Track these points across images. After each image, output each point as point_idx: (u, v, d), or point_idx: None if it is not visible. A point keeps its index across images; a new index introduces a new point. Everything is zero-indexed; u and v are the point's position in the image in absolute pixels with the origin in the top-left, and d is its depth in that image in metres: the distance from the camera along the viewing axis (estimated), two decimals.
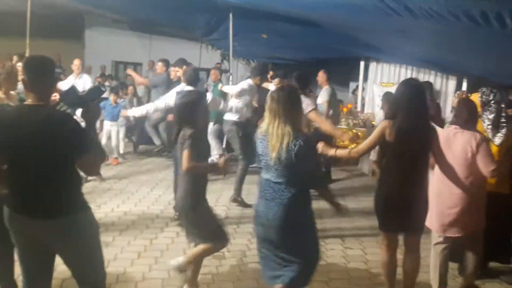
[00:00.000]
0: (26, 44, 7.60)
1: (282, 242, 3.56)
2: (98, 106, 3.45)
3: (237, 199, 6.99)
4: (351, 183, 8.82)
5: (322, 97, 8.38)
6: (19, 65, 7.46)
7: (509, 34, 4.63)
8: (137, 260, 5.11)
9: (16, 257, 3.24)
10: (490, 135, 4.52)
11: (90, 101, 3.25)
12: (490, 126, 4.57)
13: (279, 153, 3.45)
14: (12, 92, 4.61)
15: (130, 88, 11.07)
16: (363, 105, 11.14)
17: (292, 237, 3.54)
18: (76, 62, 8.79)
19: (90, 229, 3.14)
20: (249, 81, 7.32)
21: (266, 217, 3.55)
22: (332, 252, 5.55)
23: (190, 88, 6.09)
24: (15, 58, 8.88)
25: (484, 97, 4.65)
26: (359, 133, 9.40)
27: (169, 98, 6.18)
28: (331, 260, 5.32)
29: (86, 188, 6.39)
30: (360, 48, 9.73)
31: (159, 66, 9.69)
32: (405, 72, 10.47)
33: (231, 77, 10.13)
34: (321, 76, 8.58)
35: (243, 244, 5.61)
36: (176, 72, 7.97)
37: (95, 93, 3.47)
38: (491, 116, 4.58)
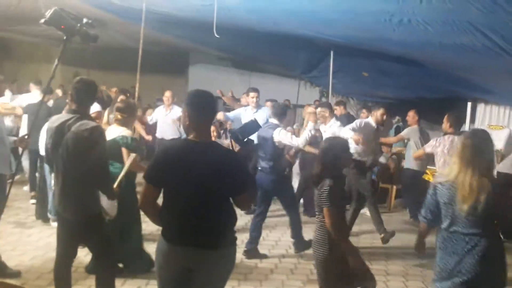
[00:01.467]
0: (136, 79, 8.04)
1: None
2: (253, 142, 3.49)
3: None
4: None
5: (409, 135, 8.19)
6: (121, 97, 7.97)
7: None
8: None
9: None
10: None
11: (248, 136, 3.33)
12: None
13: (474, 205, 3.22)
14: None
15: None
16: None
17: None
18: (167, 94, 9.09)
19: (233, 264, 3.22)
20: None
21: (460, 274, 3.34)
22: None
23: (274, 121, 6.19)
24: (115, 90, 9.31)
25: None
26: None
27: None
28: None
29: None
30: (466, 88, 9.39)
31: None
32: None
33: None
34: (412, 116, 8.36)
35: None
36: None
37: (253, 128, 3.52)
38: None
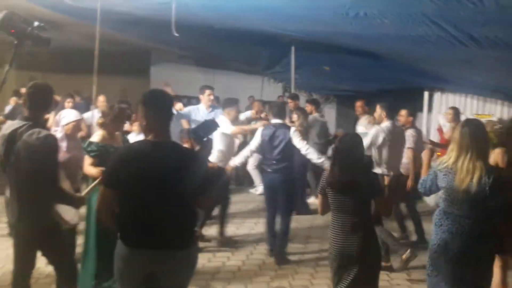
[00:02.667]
0: (92, 81, 7.90)
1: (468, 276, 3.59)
2: (212, 142, 3.44)
3: None
4: None
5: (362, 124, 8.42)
6: (68, 101, 7.80)
7: None
8: None
9: None
10: None
11: (208, 135, 3.29)
12: None
13: (469, 187, 3.49)
14: (117, 133, 4.80)
15: None
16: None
17: (479, 272, 3.60)
18: (101, 99, 8.85)
19: (196, 264, 3.22)
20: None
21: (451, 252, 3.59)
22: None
23: (278, 121, 6.15)
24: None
25: None
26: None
27: (257, 137, 6.21)
28: None
29: None
30: (423, 78, 9.60)
31: None
32: (471, 102, 10.23)
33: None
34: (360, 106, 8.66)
35: (306, 279, 5.59)
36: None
37: (212, 126, 3.46)
38: None
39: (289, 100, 9.38)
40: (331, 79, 11.94)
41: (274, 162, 6.01)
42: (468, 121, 3.85)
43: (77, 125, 5.96)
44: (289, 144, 5.98)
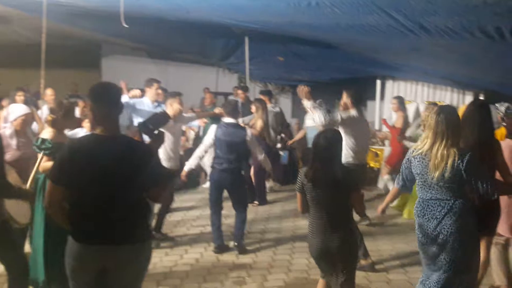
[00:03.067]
0: (41, 75, 7.67)
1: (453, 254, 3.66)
2: (163, 135, 3.38)
3: None
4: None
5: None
6: (18, 94, 7.50)
7: None
8: None
9: None
10: None
11: (158, 128, 3.20)
12: None
13: (443, 172, 3.56)
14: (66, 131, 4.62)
15: None
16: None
17: (462, 249, 3.66)
18: (49, 92, 8.47)
19: (150, 259, 3.17)
20: None
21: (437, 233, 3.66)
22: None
23: (231, 120, 6.09)
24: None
25: (509, 111, 4.85)
26: (378, 152, 9.37)
27: (210, 135, 6.14)
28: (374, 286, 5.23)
29: None
30: (376, 67, 9.76)
31: None
32: (422, 89, 10.46)
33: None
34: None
35: (264, 268, 5.60)
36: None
37: (163, 119, 3.37)
38: None
39: (239, 92, 9.39)
40: (285, 70, 12.00)
41: (224, 161, 5.98)
42: (442, 108, 3.88)
43: (26, 119, 5.48)
44: (241, 145, 5.98)
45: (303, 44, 8.87)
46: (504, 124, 5.00)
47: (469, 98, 9.66)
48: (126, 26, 6.96)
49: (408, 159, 3.83)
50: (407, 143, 7.26)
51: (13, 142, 5.26)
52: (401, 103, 8.42)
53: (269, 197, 8.80)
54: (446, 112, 3.71)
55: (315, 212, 3.82)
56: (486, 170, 3.76)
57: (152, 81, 7.07)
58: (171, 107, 6.20)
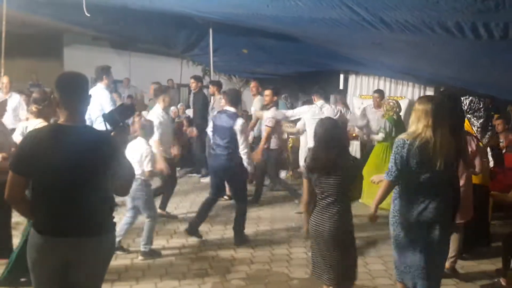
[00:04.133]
0: (0, 64, 7.47)
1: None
2: (129, 126, 3.32)
3: None
4: None
5: (255, 106, 8.77)
6: None
7: (483, 44, 4.73)
8: None
9: None
10: (479, 137, 4.97)
11: (123, 120, 3.16)
12: (479, 129, 5.01)
13: (445, 158, 3.69)
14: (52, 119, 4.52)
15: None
16: None
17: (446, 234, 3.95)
18: (5, 80, 8.08)
19: (113, 251, 3.14)
20: None
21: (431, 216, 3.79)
22: None
23: (232, 109, 6.12)
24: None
25: (472, 104, 5.19)
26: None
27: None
28: None
29: None
30: (339, 61, 9.84)
31: None
32: (384, 84, 10.60)
33: None
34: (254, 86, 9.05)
35: (227, 260, 5.61)
36: None
37: (129, 111, 3.32)
38: (480, 121, 5.08)
39: (191, 81, 9.42)
40: (249, 62, 11.99)
41: (218, 147, 6.09)
42: (435, 97, 4.15)
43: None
44: (233, 133, 6.00)
45: (267, 37, 8.88)
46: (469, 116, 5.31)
47: (430, 94, 9.82)
48: (88, 15, 6.86)
49: (404, 149, 3.73)
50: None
51: None
52: (383, 97, 8.59)
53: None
54: (441, 101, 3.90)
55: (320, 199, 3.87)
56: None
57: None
58: (163, 102, 6.65)
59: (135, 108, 3.74)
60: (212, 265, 5.46)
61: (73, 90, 2.93)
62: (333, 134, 3.89)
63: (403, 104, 9.11)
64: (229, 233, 6.33)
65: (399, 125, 7.44)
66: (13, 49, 7.52)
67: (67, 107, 2.89)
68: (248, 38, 9.47)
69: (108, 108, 6.67)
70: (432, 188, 3.77)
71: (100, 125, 6.79)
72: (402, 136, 3.81)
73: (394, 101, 7.76)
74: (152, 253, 5.57)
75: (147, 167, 5.49)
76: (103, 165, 2.87)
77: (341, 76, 11.31)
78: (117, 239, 5.10)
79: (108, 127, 3.06)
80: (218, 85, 9.31)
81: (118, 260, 5.36)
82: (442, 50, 5.95)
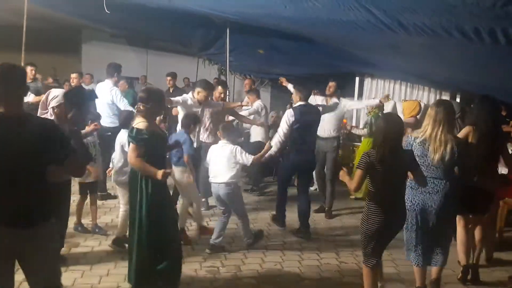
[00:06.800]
0: (21, 58, 7.56)
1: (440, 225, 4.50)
2: (82, 114, 3.37)
3: None
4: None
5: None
6: None
7: (501, 50, 4.70)
8: None
9: None
10: None
11: (77, 106, 3.18)
12: None
13: (442, 155, 4.34)
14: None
15: None
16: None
17: (446, 224, 4.59)
18: (73, 75, 8.58)
19: (53, 238, 3.18)
20: None
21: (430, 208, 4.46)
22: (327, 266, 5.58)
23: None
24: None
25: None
26: (355, 148, 9.45)
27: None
28: (326, 274, 5.36)
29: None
30: (355, 64, 9.81)
31: None
32: (399, 88, 10.54)
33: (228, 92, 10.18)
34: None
35: (238, 259, 5.63)
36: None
37: (84, 96, 3.35)
38: None
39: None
40: (265, 63, 12.00)
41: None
42: (441, 101, 4.82)
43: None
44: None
45: (283, 38, 8.89)
46: None
47: (446, 98, 9.75)
48: (108, 12, 6.93)
49: (409, 143, 4.52)
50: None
51: None
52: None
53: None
54: (444, 105, 4.52)
55: (379, 190, 4.12)
56: (473, 157, 4.68)
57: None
58: (198, 95, 6.88)
59: (95, 95, 3.78)
60: (224, 263, 5.49)
61: (8, 80, 2.96)
62: (399, 130, 4.22)
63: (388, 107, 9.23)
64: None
65: None
66: (33, 43, 7.60)
67: (3, 97, 2.92)
68: (265, 38, 9.48)
69: (121, 104, 6.76)
70: (434, 180, 4.44)
71: (107, 119, 7.00)
72: (412, 134, 4.59)
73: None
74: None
75: (249, 159, 5.55)
76: (45, 149, 2.90)
77: (357, 79, 11.28)
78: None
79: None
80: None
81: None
82: (459, 55, 5.92)
